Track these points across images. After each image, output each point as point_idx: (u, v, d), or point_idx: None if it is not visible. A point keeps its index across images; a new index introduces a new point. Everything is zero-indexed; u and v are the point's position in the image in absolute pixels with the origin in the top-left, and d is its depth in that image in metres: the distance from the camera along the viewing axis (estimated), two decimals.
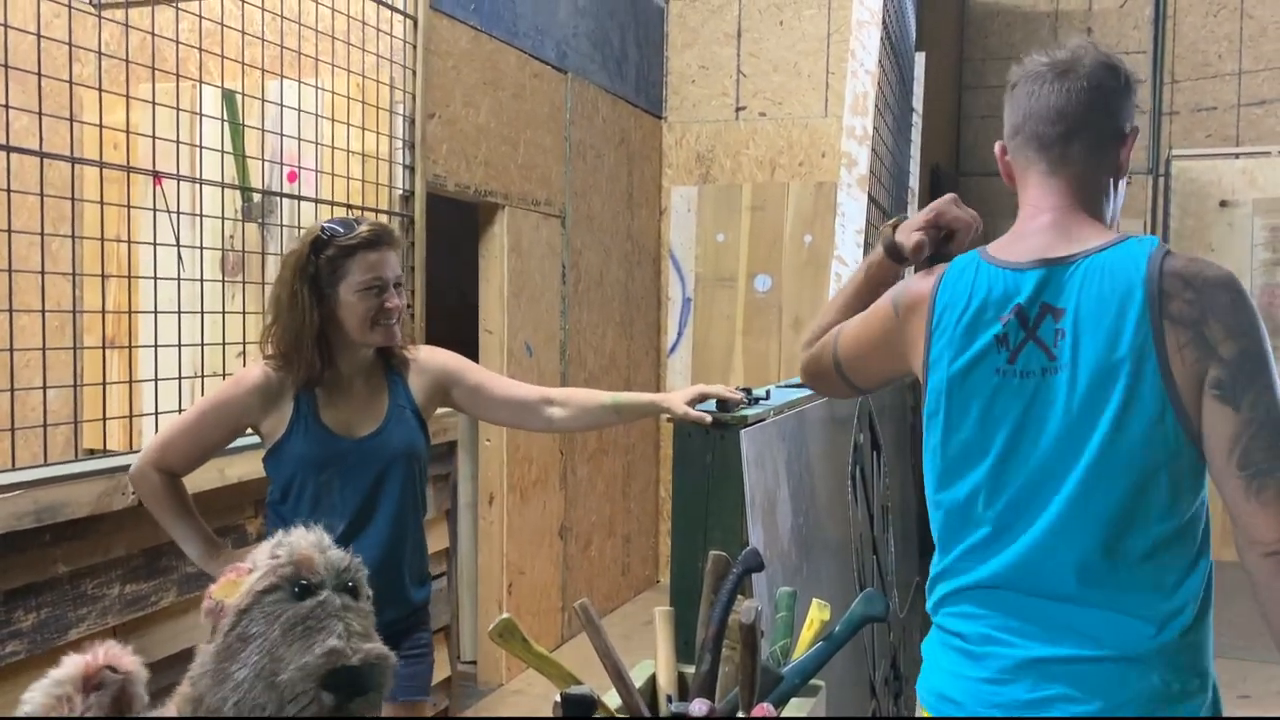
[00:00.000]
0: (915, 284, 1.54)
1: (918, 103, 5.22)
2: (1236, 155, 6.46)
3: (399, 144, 3.55)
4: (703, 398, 2.23)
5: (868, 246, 3.82)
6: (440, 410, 2.32)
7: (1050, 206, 1.47)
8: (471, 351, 4.31)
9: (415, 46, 3.58)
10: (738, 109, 5.89)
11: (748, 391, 2.35)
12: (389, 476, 2.11)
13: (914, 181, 5.12)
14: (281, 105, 3.17)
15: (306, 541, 1.16)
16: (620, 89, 5.38)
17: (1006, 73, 1.56)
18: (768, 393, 2.45)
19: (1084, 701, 1.36)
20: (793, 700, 1.65)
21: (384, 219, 3.36)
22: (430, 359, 2.25)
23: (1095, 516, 1.37)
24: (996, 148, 1.56)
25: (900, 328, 1.55)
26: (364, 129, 3.38)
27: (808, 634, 1.72)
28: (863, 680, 2.78)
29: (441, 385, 2.25)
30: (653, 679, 1.71)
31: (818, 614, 1.73)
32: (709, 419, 2.14)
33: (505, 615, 1.54)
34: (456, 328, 4.08)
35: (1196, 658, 1.38)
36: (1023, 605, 1.41)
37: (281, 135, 3.18)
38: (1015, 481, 1.41)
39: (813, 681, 1.70)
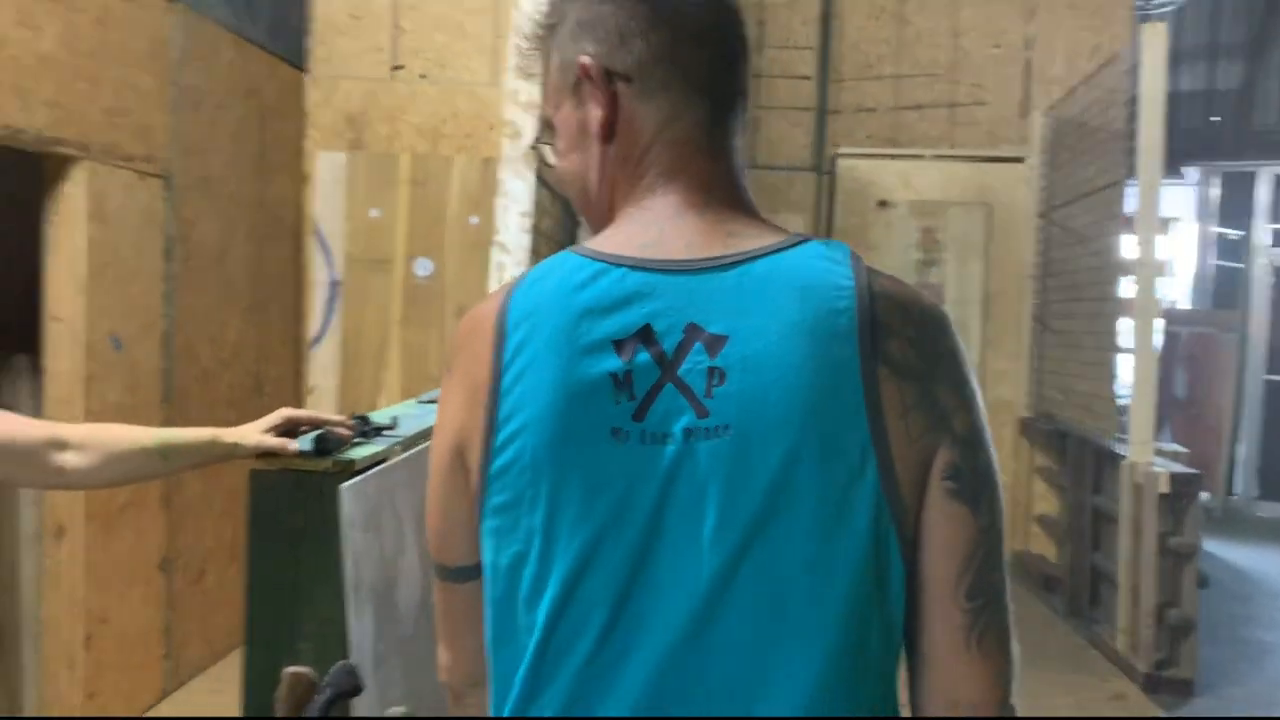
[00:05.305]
0: (475, 312, 0.99)
1: None
2: (894, 157, 6.60)
3: None
4: (292, 426, 1.62)
5: (536, 232, 3.32)
6: None
7: (694, 179, 0.98)
8: (34, 345, 3.38)
9: None
10: (394, 67, 5.18)
11: (364, 420, 1.75)
12: None
13: None
14: None
15: None
16: (249, 31, 4.51)
17: None
18: (394, 420, 1.85)
19: None
20: None
21: None
22: None
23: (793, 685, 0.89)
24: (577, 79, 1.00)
25: (462, 395, 0.96)
26: None
27: None
28: None
29: None
30: None
31: None
32: (294, 446, 1.54)
33: None
34: (19, 314, 3.13)
35: None
36: None
37: None
38: (642, 614, 0.89)
39: None
